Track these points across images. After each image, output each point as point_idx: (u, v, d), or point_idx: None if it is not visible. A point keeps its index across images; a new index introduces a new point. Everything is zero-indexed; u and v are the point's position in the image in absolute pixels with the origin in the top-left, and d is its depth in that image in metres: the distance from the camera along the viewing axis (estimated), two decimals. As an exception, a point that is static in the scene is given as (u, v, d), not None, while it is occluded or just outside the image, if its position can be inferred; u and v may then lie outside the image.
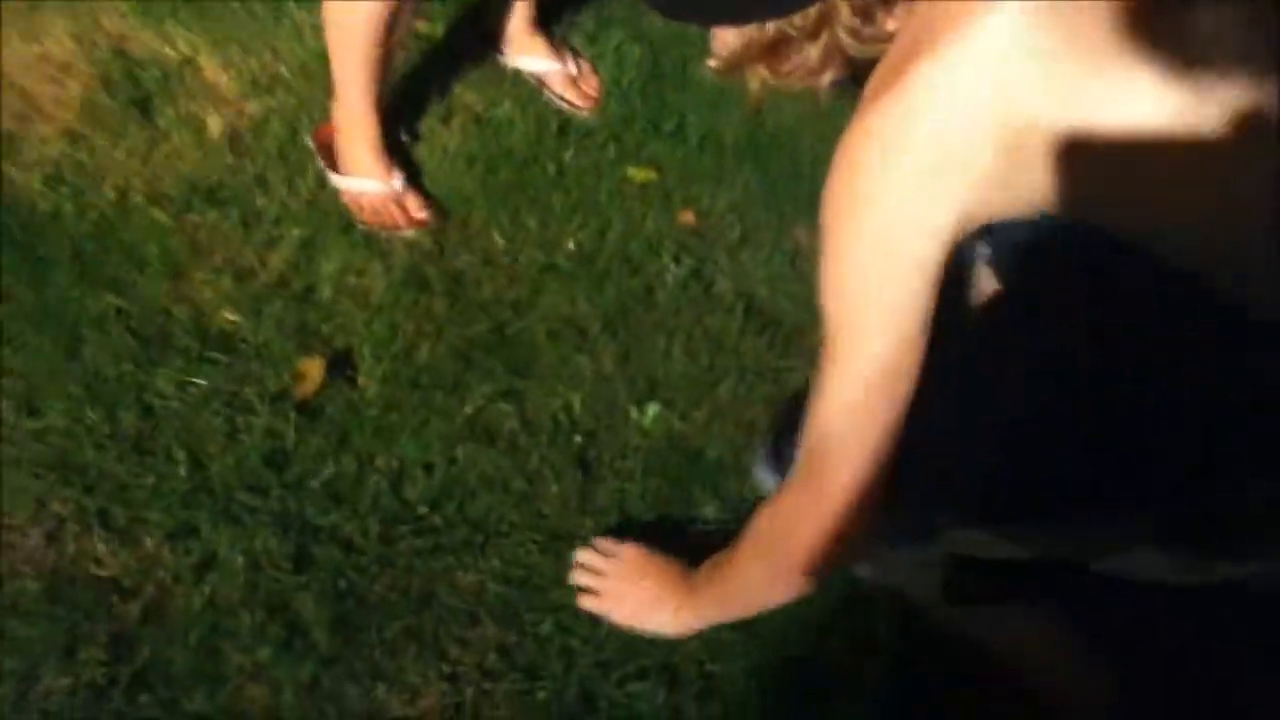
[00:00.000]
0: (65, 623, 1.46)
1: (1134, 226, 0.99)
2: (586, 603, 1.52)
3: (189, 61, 2.10)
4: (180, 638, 1.46)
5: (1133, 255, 0.99)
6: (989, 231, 1.03)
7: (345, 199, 1.93)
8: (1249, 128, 0.93)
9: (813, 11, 1.03)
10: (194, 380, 1.68)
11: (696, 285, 1.87)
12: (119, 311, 1.76)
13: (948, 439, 1.15)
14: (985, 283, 1.12)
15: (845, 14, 1.03)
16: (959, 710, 1.46)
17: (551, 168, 1.99)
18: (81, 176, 1.92)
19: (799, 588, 1.22)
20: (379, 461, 1.64)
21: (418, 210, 1.92)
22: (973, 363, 1.14)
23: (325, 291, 1.83)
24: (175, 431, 1.64)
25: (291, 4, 2.16)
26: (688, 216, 1.96)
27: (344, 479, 1.62)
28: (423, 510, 1.60)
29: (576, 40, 2.20)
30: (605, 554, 1.55)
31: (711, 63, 1.12)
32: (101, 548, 1.53)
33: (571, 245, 1.90)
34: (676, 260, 1.89)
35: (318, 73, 2.11)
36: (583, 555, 1.56)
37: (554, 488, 1.64)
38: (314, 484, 1.61)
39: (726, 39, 1.09)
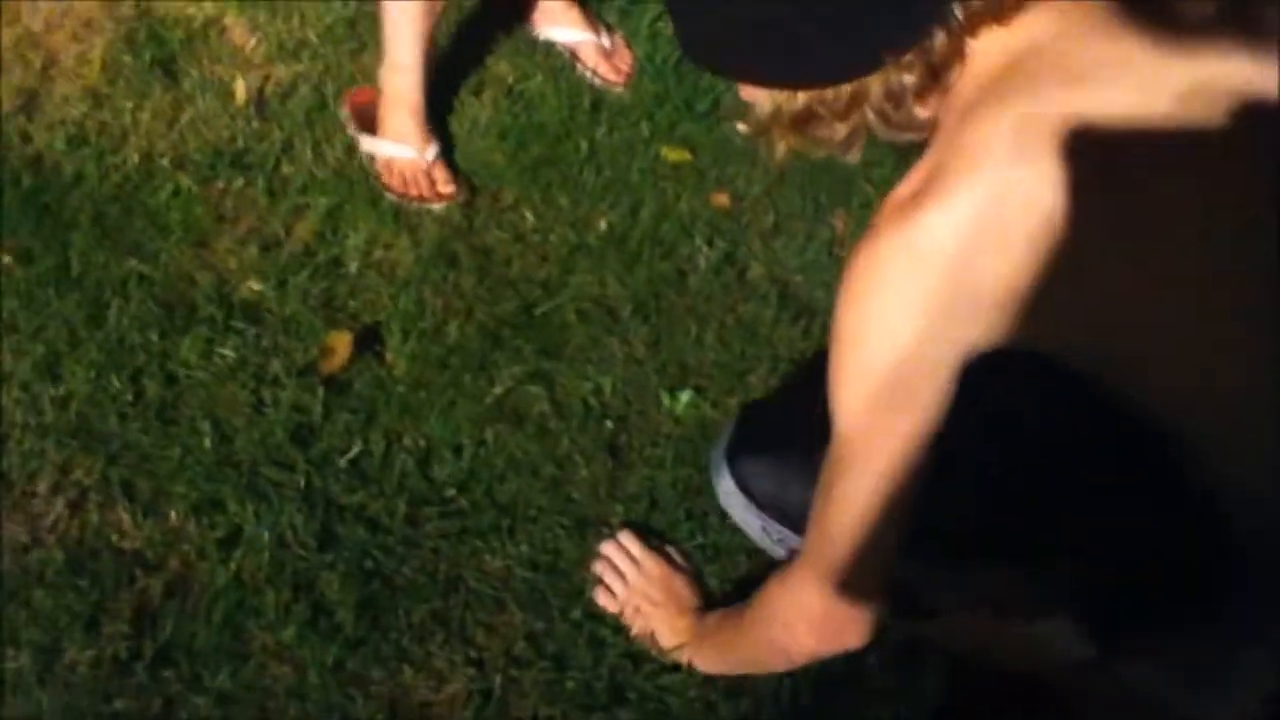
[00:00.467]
0: (89, 595, 1.43)
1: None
2: (603, 600, 1.50)
3: (214, 22, 2.06)
4: (204, 614, 1.44)
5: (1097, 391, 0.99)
6: None
7: (378, 165, 1.89)
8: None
9: (845, 91, 1.02)
10: (219, 350, 1.65)
11: (729, 270, 1.83)
12: (141, 278, 1.73)
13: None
14: None
15: (876, 96, 1.02)
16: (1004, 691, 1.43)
17: (584, 145, 1.96)
18: (105, 138, 1.88)
19: (797, 664, 1.31)
20: (406, 441, 1.61)
21: (445, 184, 1.89)
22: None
23: (352, 264, 1.79)
24: (200, 402, 1.61)
25: (319, -33, 2.11)
26: (721, 199, 1.92)
27: (371, 458, 1.59)
28: (450, 492, 1.58)
29: (610, 17, 2.16)
30: (630, 556, 1.52)
31: (741, 126, 1.11)
32: (125, 519, 1.50)
33: (603, 225, 1.87)
34: (709, 243, 1.86)
35: (345, 38, 2.07)
36: (608, 549, 1.53)
37: (583, 473, 1.61)
38: (341, 461, 1.58)
39: (757, 105, 1.08)
